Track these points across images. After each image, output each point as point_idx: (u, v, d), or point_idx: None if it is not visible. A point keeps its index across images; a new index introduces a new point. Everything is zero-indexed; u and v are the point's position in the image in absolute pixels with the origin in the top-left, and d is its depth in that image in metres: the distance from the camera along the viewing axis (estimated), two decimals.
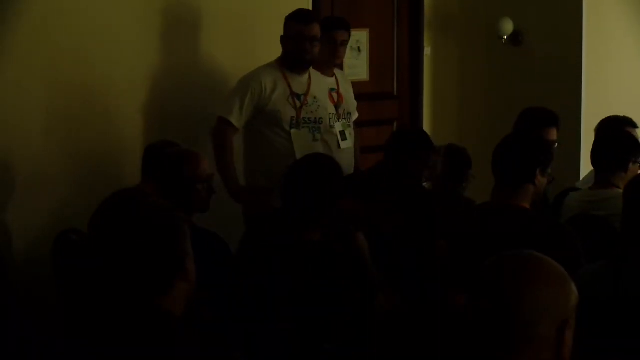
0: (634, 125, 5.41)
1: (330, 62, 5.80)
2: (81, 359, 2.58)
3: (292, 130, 5.41)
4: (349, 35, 5.88)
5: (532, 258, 2.18)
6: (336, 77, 5.82)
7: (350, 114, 5.82)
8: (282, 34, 5.45)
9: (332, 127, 5.58)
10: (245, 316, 3.87)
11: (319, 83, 5.60)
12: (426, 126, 7.49)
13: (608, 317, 3.08)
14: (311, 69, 5.56)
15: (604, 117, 5.62)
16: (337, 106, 5.68)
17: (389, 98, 7.39)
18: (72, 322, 4.18)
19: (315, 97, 5.51)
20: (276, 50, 5.51)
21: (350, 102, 5.89)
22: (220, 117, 5.36)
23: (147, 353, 2.43)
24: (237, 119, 5.34)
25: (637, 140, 4.83)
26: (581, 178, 6.10)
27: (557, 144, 5.28)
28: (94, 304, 3.84)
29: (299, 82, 5.47)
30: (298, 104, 5.43)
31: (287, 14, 5.46)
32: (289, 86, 5.43)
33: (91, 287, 3.96)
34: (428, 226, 4.39)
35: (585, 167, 5.50)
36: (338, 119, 5.64)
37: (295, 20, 5.41)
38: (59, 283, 4.72)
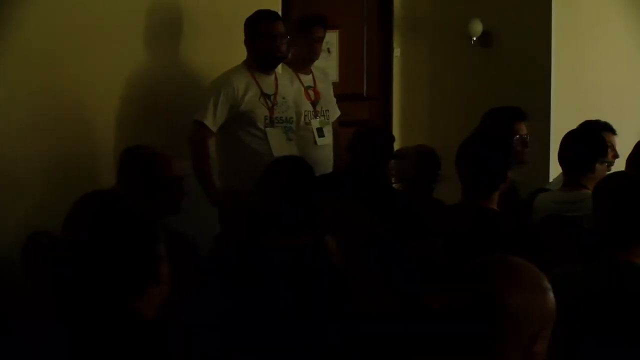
0: (613, 131, 5.42)
1: (307, 60, 5.82)
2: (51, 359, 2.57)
3: (267, 129, 5.41)
4: (325, 32, 5.89)
5: (514, 263, 2.16)
6: (313, 75, 5.84)
7: (328, 110, 5.84)
8: (245, 38, 5.45)
9: (307, 123, 5.60)
10: (220, 322, 3.83)
11: (285, 83, 5.61)
12: (396, 127, 7.52)
13: (581, 319, 3.10)
14: (277, 70, 5.56)
15: (573, 117, 5.64)
16: (314, 103, 5.71)
17: (359, 99, 7.40)
18: (43, 323, 4.16)
19: (283, 98, 5.52)
20: None
21: (329, 99, 5.91)
22: (196, 121, 5.35)
23: (118, 355, 2.43)
24: (212, 122, 5.33)
25: (603, 141, 4.83)
26: (551, 179, 6.13)
27: (527, 136, 5.28)
28: (66, 306, 3.83)
29: (267, 83, 5.48)
30: (269, 103, 5.44)
31: None
32: (259, 87, 5.43)
33: (63, 290, 3.96)
34: (403, 227, 4.38)
35: (555, 168, 5.52)
36: (315, 116, 5.66)
37: (261, 20, 5.41)
38: (30, 285, 4.69)
